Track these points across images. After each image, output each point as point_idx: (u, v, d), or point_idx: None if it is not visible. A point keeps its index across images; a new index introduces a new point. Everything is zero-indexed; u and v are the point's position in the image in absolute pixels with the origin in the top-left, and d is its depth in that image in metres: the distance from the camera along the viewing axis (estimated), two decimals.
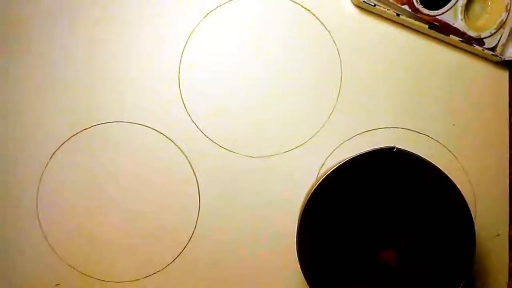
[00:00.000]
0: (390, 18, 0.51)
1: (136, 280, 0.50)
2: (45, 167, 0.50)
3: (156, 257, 0.50)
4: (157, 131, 0.51)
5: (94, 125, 0.51)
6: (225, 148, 0.51)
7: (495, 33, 0.50)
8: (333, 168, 0.43)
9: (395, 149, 0.43)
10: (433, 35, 0.51)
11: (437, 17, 0.50)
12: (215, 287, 0.50)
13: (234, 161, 0.51)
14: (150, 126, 0.51)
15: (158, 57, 0.51)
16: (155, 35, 0.51)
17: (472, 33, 0.50)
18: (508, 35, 0.50)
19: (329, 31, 0.52)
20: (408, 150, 0.43)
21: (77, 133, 0.51)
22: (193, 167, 0.51)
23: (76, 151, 0.51)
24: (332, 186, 0.43)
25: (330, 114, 0.51)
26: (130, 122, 0.51)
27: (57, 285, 0.50)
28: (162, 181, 0.50)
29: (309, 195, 0.43)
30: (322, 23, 0.52)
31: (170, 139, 0.51)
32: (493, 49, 0.51)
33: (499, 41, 0.50)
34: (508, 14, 0.50)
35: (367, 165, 0.43)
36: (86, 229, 0.50)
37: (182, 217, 0.50)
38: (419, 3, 0.50)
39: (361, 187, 0.44)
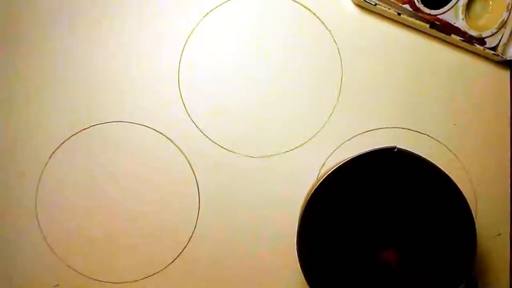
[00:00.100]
0: (391, 17, 0.51)
1: (136, 280, 0.50)
2: (45, 167, 0.50)
3: (156, 257, 0.50)
4: (157, 131, 0.51)
5: (94, 125, 0.51)
6: (225, 148, 0.51)
7: (496, 32, 0.50)
8: (334, 168, 0.43)
9: (396, 149, 0.43)
10: (434, 34, 0.51)
11: (438, 16, 0.50)
12: (215, 287, 0.50)
13: (234, 161, 0.51)
14: (150, 126, 0.51)
15: (158, 56, 0.51)
16: (155, 34, 0.51)
17: (473, 33, 0.50)
18: (510, 35, 0.50)
19: (329, 31, 0.52)
20: (409, 150, 0.43)
21: (77, 133, 0.51)
22: (193, 167, 0.51)
23: (76, 151, 0.51)
24: (333, 186, 0.43)
25: (331, 114, 0.51)
26: (130, 122, 0.51)
27: (56, 285, 0.50)
28: (162, 181, 0.50)
29: (310, 195, 0.43)
30: (322, 22, 0.52)
31: (169, 139, 0.51)
32: (494, 48, 0.50)
33: (500, 40, 0.50)
34: (510, 13, 0.50)
35: (368, 165, 0.43)
36: (85, 229, 0.50)
37: (182, 217, 0.50)
38: (420, 2, 0.49)
39: (361, 187, 0.44)
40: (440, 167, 0.43)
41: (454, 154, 0.51)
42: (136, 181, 0.50)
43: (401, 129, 0.51)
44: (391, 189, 0.44)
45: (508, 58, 0.51)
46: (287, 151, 0.51)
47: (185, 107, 0.51)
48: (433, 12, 0.50)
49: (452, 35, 0.50)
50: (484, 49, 0.50)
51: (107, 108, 0.51)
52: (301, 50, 0.51)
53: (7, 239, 0.50)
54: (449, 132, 0.51)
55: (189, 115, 0.51)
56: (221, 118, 0.51)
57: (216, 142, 0.51)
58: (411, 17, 0.50)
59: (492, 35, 0.50)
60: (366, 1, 0.50)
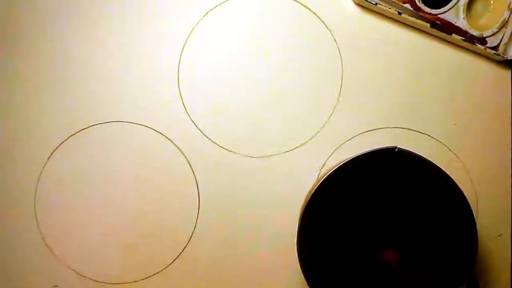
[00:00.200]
0: (391, 16, 0.51)
1: (136, 281, 0.50)
2: (44, 167, 0.50)
3: (155, 257, 0.50)
4: (156, 131, 0.51)
5: (93, 125, 0.51)
6: (225, 148, 0.51)
7: (497, 32, 0.50)
8: (334, 169, 0.43)
9: (396, 149, 0.43)
10: (434, 34, 0.51)
11: (439, 15, 0.50)
12: (215, 287, 0.50)
13: (234, 161, 0.51)
14: (149, 126, 0.51)
15: (158, 56, 0.51)
16: (155, 34, 0.51)
17: (474, 32, 0.50)
18: (511, 34, 0.50)
19: (330, 30, 0.51)
20: (410, 150, 0.43)
21: (76, 133, 0.51)
22: (193, 167, 0.51)
23: (75, 151, 0.51)
24: (333, 187, 0.43)
25: (331, 114, 0.51)
26: (129, 122, 0.51)
27: (55, 286, 0.50)
28: (162, 181, 0.50)
29: (310, 196, 0.43)
30: (323, 22, 0.52)
31: (169, 139, 0.51)
32: (495, 48, 0.50)
33: (501, 40, 0.50)
34: (511, 13, 0.49)
35: (368, 165, 0.43)
36: (84, 230, 0.50)
37: (182, 217, 0.50)
38: (420, 1, 0.49)
39: (362, 187, 0.44)
40: (441, 167, 0.43)
41: (455, 154, 0.51)
42: (135, 181, 0.50)
43: (402, 129, 0.51)
44: (391, 189, 0.44)
45: (509, 58, 0.51)
46: (287, 151, 0.51)
47: (185, 107, 0.51)
48: (434, 11, 0.50)
49: (453, 35, 0.50)
50: (485, 48, 0.50)
51: (107, 108, 0.51)
52: (301, 50, 0.51)
53: (6, 240, 0.50)
54: (449, 132, 0.51)
55: (189, 115, 0.51)
56: (221, 118, 0.51)
57: (216, 142, 0.51)
58: (411, 16, 0.50)
59: (493, 34, 0.50)
60: (366, 1, 0.50)
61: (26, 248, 0.50)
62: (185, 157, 0.51)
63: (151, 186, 0.50)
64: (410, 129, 0.51)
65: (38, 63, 0.51)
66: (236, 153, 0.51)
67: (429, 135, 0.51)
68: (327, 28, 0.52)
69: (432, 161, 0.43)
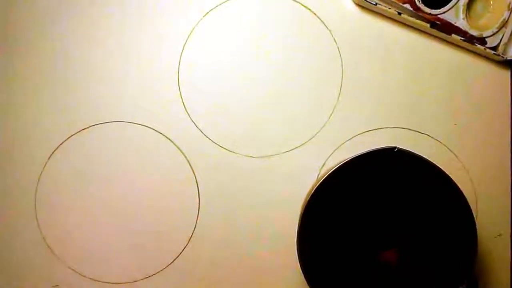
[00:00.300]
0: (391, 17, 0.51)
1: (136, 281, 0.50)
2: (44, 167, 0.50)
3: (155, 257, 0.50)
4: (157, 131, 0.51)
5: (93, 125, 0.51)
6: (225, 148, 0.51)
7: (497, 32, 0.50)
8: (334, 168, 0.43)
9: (396, 149, 0.43)
10: (434, 34, 0.51)
11: (438, 16, 0.50)
12: (215, 287, 0.50)
13: (234, 161, 0.51)
14: (150, 126, 0.51)
15: (158, 56, 0.51)
16: (155, 34, 0.51)
17: (474, 32, 0.50)
18: (510, 34, 0.50)
19: (330, 30, 0.52)
20: (409, 150, 0.43)
21: (76, 133, 0.51)
22: (193, 167, 0.51)
23: (75, 151, 0.51)
24: (333, 187, 0.43)
25: (331, 114, 0.51)
26: (129, 122, 0.51)
27: (55, 286, 0.50)
28: (162, 181, 0.50)
29: (310, 196, 0.43)
30: (322, 22, 0.52)
31: (169, 139, 0.51)
32: (495, 48, 0.50)
33: (501, 40, 0.50)
34: (510, 13, 0.49)
35: (368, 165, 0.43)
36: (85, 230, 0.50)
37: (182, 217, 0.50)
38: (420, 1, 0.49)
39: (362, 187, 0.44)
40: (441, 167, 0.43)
41: (455, 154, 0.51)
42: (135, 181, 0.50)
43: (401, 129, 0.51)
44: (391, 189, 0.44)
45: (508, 58, 0.51)
46: (287, 151, 0.51)
47: (185, 107, 0.51)
48: (433, 11, 0.50)
49: (453, 35, 0.50)
50: (484, 48, 0.50)
51: (107, 108, 0.51)
52: (301, 50, 0.51)
53: (6, 239, 0.50)
54: (449, 132, 0.51)
55: (189, 115, 0.51)
56: (221, 118, 0.51)
57: (216, 142, 0.51)
58: (411, 16, 0.50)
59: (493, 34, 0.50)
60: (366, 1, 0.50)
61: (26, 248, 0.50)
62: (185, 157, 0.51)
63: (151, 186, 0.50)
64: (410, 129, 0.51)
65: (38, 63, 0.51)
66: (236, 153, 0.51)
67: (428, 135, 0.51)
68: (327, 28, 0.52)
69: (432, 161, 0.43)
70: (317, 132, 0.51)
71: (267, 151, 0.51)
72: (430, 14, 0.50)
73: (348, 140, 0.51)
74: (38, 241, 0.50)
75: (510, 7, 0.49)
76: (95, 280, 0.50)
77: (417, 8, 0.50)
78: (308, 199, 0.43)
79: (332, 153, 0.51)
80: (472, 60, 0.52)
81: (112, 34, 0.51)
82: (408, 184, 0.44)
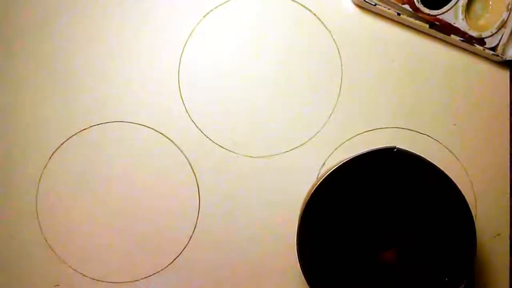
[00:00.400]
0: (390, 17, 0.51)
1: (136, 280, 0.50)
2: (44, 168, 0.50)
3: (155, 257, 0.50)
4: (157, 131, 0.51)
5: (93, 125, 0.51)
6: (225, 148, 0.51)
7: (496, 32, 0.50)
8: (334, 169, 0.43)
9: (395, 149, 0.43)
10: (433, 34, 0.51)
11: (438, 16, 0.50)
12: (215, 287, 0.50)
13: (234, 161, 0.51)
14: (150, 126, 0.51)
15: (158, 56, 0.51)
16: (155, 34, 0.51)
17: (473, 33, 0.50)
18: (509, 35, 0.50)
19: (329, 31, 0.52)
20: (409, 150, 0.43)
21: (76, 133, 0.51)
22: (193, 167, 0.51)
23: (75, 151, 0.51)
24: (333, 187, 0.43)
25: (331, 114, 0.51)
26: (130, 122, 0.51)
27: (56, 285, 0.50)
28: (162, 181, 0.50)
29: (310, 196, 0.43)
30: (322, 22, 0.52)
31: (169, 139, 0.51)
32: (494, 48, 0.50)
33: (500, 40, 0.50)
34: (509, 13, 0.50)
35: (368, 165, 0.43)
36: (85, 230, 0.50)
37: (182, 217, 0.50)
38: (419, 2, 0.49)
39: (361, 187, 0.44)
40: (440, 167, 0.43)
41: (454, 154, 0.51)
42: (136, 181, 0.50)
43: (401, 129, 0.51)
44: (390, 189, 0.44)
45: (507, 59, 0.51)
46: (287, 151, 0.51)
47: (185, 107, 0.51)
48: (432, 12, 0.50)
49: (452, 35, 0.50)
50: (483, 49, 0.50)
51: (107, 108, 0.51)
52: (301, 50, 0.51)
53: (7, 239, 0.50)
54: (448, 132, 0.51)
55: (189, 115, 0.51)
56: (221, 118, 0.51)
57: (216, 142, 0.51)
58: (410, 17, 0.50)
59: (492, 35, 0.50)
60: (366, 1, 0.50)
61: (27, 248, 0.50)
62: (185, 157, 0.51)
63: (151, 186, 0.50)
64: (410, 129, 0.51)
65: (38, 63, 0.51)
66: (236, 153, 0.51)
67: (428, 135, 0.51)
68: (327, 28, 0.52)
69: (431, 161, 0.43)
70: (317, 132, 0.51)
71: (267, 151, 0.51)
72: (429, 14, 0.50)
73: (348, 140, 0.51)
74: (39, 241, 0.50)
75: (509, 7, 0.49)
76: (95, 280, 0.50)
77: (416, 9, 0.50)
78: (308, 199, 0.43)
79: (332, 153, 0.51)
80: (471, 60, 0.52)
81: (112, 35, 0.51)
82: (408, 184, 0.44)
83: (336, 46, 0.52)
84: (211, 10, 0.51)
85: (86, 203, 0.50)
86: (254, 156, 0.51)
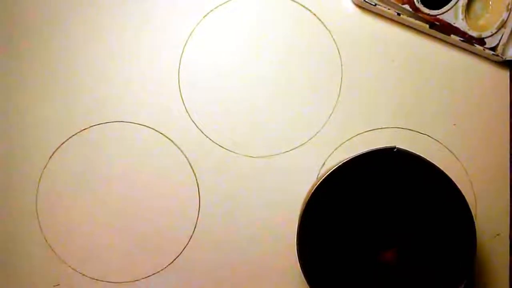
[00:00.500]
0: (390, 17, 0.51)
1: (136, 280, 0.50)
2: (44, 168, 0.50)
3: (155, 257, 0.50)
4: (157, 131, 0.51)
5: (93, 125, 0.51)
6: (225, 148, 0.51)
7: (496, 32, 0.50)
8: (334, 168, 0.43)
9: (395, 149, 0.43)
10: (433, 34, 0.51)
11: (438, 16, 0.50)
12: (215, 287, 0.50)
13: (234, 161, 0.51)
14: (150, 126, 0.51)
15: (158, 56, 0.51)
16: (155, 34, 0.51)
17: (473, 33, 0.50)
18: (509, 35, 0.50)
19: (329, 31, 0.52)
20: (409, 150, 0.43)
21: (77, 133, 0.51)
22: (193, 167, 0.51)
23: (76, 151, 0.51)
24: (333, 187, 0.43)
25: (330, 114, 0.51)
26: (130, 122, 0.51)
27: (56, 285, 0.50)
28: (162, 181, 0.50)
29: (310, 195, 0.43)
30: (322, 22, 0.52)
31: (169, 139, 0.51)
32: (494, 49, 0.50)
33: (500, 41, 0.50)
34: (509, 13, 0.50)
35: (368, 165, 0.43)
36: (85, 230, 0.50)
37: (182, 217, 0.50)
38: (419, 2, 0.49)
39: (361, 187, 0.44)
40: (440, 167, 0.43)
41: (454, 154, 0.51)
42: (136, 181, 0.50)
43: (401, 129, 0.51)
44: (390, 189, 0.44)
45: (507, 59, 0.51)
46: (287, 151, 0.51)
47: (185, 107, 0.51)
48: (432, 12, 0.50)
49: (452, 36, 0.50)
50: (483, 49, 0.50)
51: (107, 108, 0.51)
52: (301, 50, 0.51)
53: (7, 239, 0.50)
54: (448, 132, 0.51)
55: (189, 115, 0.51)
56: (221, 118, 0.51)
57: (216, 142, 0.51)
58: (410, 17, 0.50)
59: (492, 35, 0.50)
60: (366, 1, 0.50)
61: (27, 248, 0.50)
62: (185, 157, 0.51)
63: (151, 186, 0.50)
64: (409, 129, 0.51)
65: (38, 63, 0.51)
66: (236, 153, 0.51)
67: (428, 135, 0.51)
68: (327, 28, 0.52)
69: (431, 161, 0.43)
70: (317, 132, 0.51)
71: (267, 151, 0.51)
72: (429, 14, 0.50)
73: (348, 140, 0.51)
74: (39, 241, 0.50)
75: (509, 7, 0.49)
76: (95, 280, 0.50)
77: (416, 9, 0.50)
78: (308, 199, 0.43)
79: (331, 153, 0.51)
80: (471, 60, 0.52)
81: (112, 35, 0.51)
82: (408, 184, 0.44)
83: (336, 46, 0.52)
84: (211, 10, 0.52)
85: (86, 203, 0.50)
86: (254, 156, 0.51)
